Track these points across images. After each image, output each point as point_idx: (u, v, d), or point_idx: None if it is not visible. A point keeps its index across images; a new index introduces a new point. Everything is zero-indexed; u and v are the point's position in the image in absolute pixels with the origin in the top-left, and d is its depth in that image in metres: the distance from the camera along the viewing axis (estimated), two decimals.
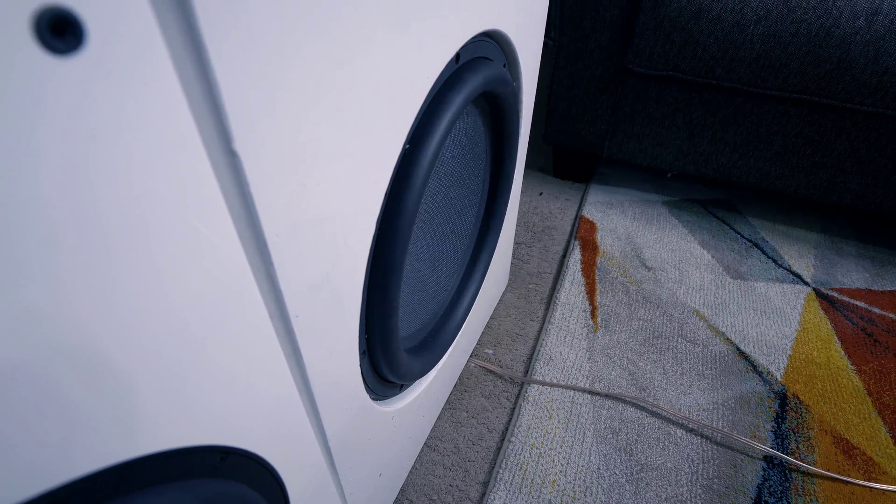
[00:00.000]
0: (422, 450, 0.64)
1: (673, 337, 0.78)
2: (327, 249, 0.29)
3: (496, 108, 0.52)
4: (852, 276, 0.90)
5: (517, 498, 0.59)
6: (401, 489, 0.61)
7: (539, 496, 0.59)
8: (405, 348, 0.49)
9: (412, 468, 0.63)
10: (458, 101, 0.37)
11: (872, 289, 0.87)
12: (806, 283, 0.88)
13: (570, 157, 1.11)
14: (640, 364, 0.74)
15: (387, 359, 0.41)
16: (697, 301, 0.84)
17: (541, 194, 1.10)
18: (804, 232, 1.00)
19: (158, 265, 0.18)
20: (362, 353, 0.38)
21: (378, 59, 0.27)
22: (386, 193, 0.33)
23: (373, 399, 0.43)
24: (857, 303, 0.84)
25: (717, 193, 1.10)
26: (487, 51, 0.45)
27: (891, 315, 0.82)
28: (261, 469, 0.28)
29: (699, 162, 0.95)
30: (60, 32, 0.13)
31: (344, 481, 0.42)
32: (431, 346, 0.55)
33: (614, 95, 0.94)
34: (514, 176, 0.66)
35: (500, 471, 0.61)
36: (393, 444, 0.52)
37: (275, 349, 0.26)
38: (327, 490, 0.39)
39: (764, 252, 0.94)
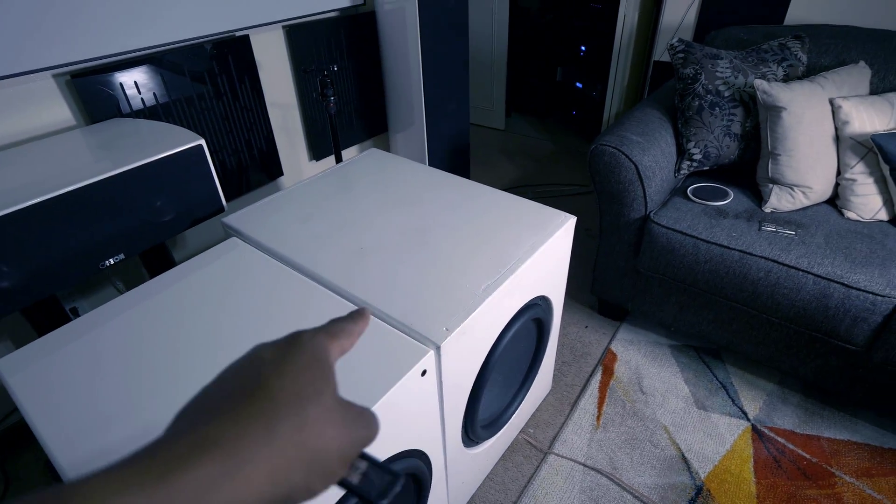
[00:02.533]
0: (484, 479, 1.24)
1: (644, 441, 1.30)
2: (458, 388, 0.92)
3: (539, 323, 1.14)
4: (785, 419, 1.34)
5: None
6: (473, 495, 1.21)
7: None
8: (484, 425, 1.11)
9: (479, 489, 1.23)
10: (519, 322, 1.00)
11: (795, 431, 1.31)
12: (748, 420, 1.34)
13: (609, 304, 1.67)
14: (618, 453, 1.28)
15: (471, 429, 1.03)
16: (668, 420, 1.35)
17: (586, 327, 1.67)
18: (764, 382, 1.44)
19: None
20: (462, 427, 1.01)
21: (502, 307, 0.91)
22: (479, 369, 0.96)
23: (464, 444, 1.05)
24: (779, 438, 1.29)
25: (710, 344, 1.58)
26: (536, 300, 1.07)
27: (798, 451, 1.26)
28: (428, 461, 0.91)
29: (688, 326, 1.47)
30: None
31: (450, 477, 1.03)
32: (495, 425, 1.16)
33: (632, 278, 1.50)
34: (548, 350, 1.26)
35: (524, 496, 1.19)
36: (470, 470, 1.13)
37: (438, 425, 0.90)
38: (442, 477, 1.01)
39: (727, 392, 1.41)
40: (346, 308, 0.85)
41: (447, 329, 0.81)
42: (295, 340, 0.25)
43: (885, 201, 1.30)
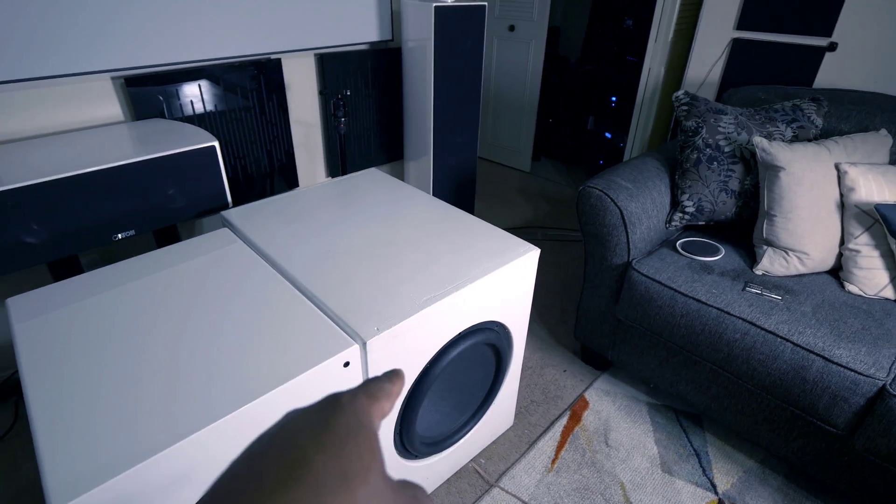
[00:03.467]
0: None
1: (595, 493, 1.24)
2: None
3: (495, 350, 1.14)
4: (759, 501, 1.23)
5: None
6: None
7: None
8: (424, 441, 1.10)
9: None
10: (467, 342, 1.00)
11: None
12: (716, 493, 1.25)
13: (591, 352, 1.62)
14: (565, 500, 1.22)
15: (407, 439, 1.03)
16: (626, 478, 1.28)
17: (564, 371, 1.62)
18: (744, 458, 1.34)
19: None
20: (395, 435, 1.01)
21: (443, 322, 0.92)
22: (416, 378, 0.97)
23: (399, 454, 1.04)
24: None
25: (690, 407, 1.49)
26: (488, 324, 1.07)
27: None
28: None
29: (667, 384, 1.40)
30: None
31: None
32: (439, 445, 1.15)
33: (613, 326, 1.46)
34: (508, 383, 1.24)
35: None
36: None
37: None
38: None
39: (700, 461, 1.33)
40: (300, 301, 0.89)
41: (377, 329, 0.83)
42: (333, 405, 0.22)
43: (892, 278, 1.22)
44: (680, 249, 1.38)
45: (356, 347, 0.81)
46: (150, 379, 0.72)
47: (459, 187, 2.10)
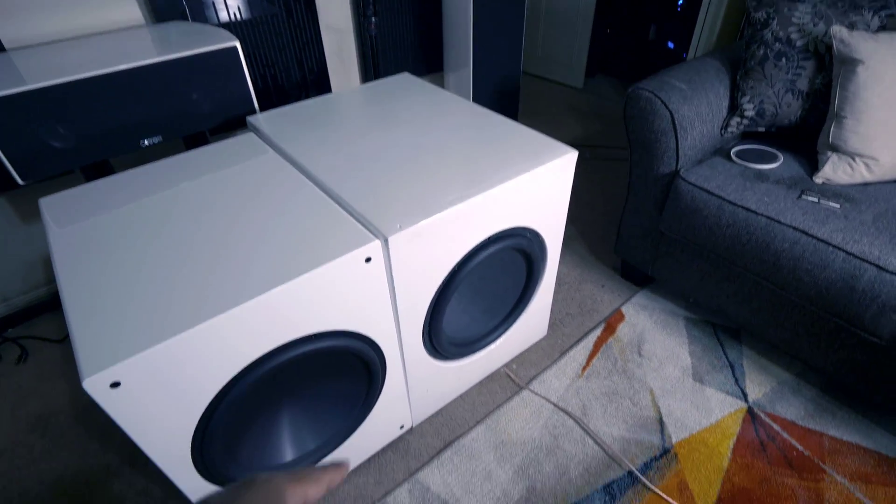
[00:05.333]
0: (456, 398, 1.29)
1: (624, 397, 1.27)
2: (417, 294, 0.97)
3: (526, 257, 1.14)
4: (790, 409, 1.23)
5: (490, 435, 1.20)
6: (440, 409, 1.27)
7: (499, 439, 1.19)
8: (453, 342, 1.15)
9: (448, 404, 1.28)
10: (495, 246, 1.01)
11: (797, 423, 1.20)
12: (746, 401, 1.25)
13: (631, 268, 1.60)
14: (593, 402, 1.26)
15: (436, 340, 1.08)
16: (657, 385, 1.30)
17: (603, 286, 1.62)
18: (780, 370, 1.32)
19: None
20: (424, 335, 1.06)
21: (470, 224, 0.94)
22: (443, 280, 1.00)
23: (427, 353, 1.11)
24: (774, 425, 1.19)
25: (730, 322, 1.46)
26: (520, 230, 1.07)
27: (792, 441, 1.16)
28: (378, 349, 0.97)
29: (708, 298, 1.37)
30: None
31: (410, 379, 1.10)
32: (469, 348, 1.20)
33: (655, 239, 1.42)
34: (543, 285, 1.25)
35: (488, 419, 1.23)
36: (437, 382, 1.18)
37: (391, 318, 0.96)
38: (400, 374, 1.07)
39: (733, 372, 1.32)
40: (325, 202, 0.92)
41: (399, 226, 0.85)
42: (248, 483, 0.25)
43: None
44: (734, 157, 1.29)
45: (377, 243, 0.83)
46: (179, 267, 0.77)
47: (501, 101, 2.02)
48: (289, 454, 0.98)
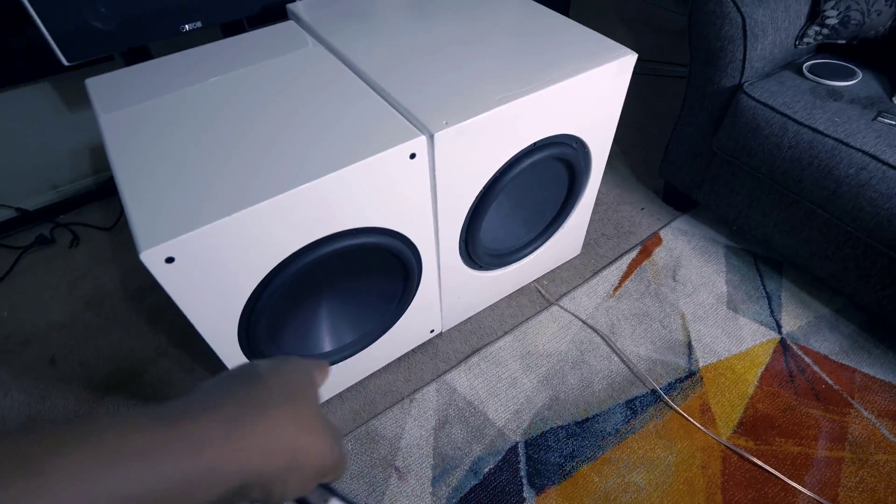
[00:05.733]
0: (485, 308, 1.32)
1: (654, 319, 1.27)
2: (458, 197, 0.95)
3: (569, 167, 1.10)
4: (824, 344, 1.21)
5: (517, 345, 1.23)
6: (469, 318, 1.30)
7: (525, 350, 1.22)
8: (488, 252, 1.15)
9: (478, 313, 1.31)
10: (541, 154, 0.98)
11: (829, 357, 1.19)
12: (779, 332, 1.24)
13: (674, 191, 1.54)
14: (623, 322, 1.27)
15: (472, 247, 1.08)
16: (689, 310, 1.29)
17: (642, 209, 1.57)
18: (820, 305, 1.29)
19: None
20: (461, 241, 1.05)
21: (517, 126, 0.91)
22: (485, 185, 0.98)
23: (462, 260, 1.11)
24: (806, 358, 1.19)
25: (773, 253, 1.41)
26: (567, 138, 1.02)
27: (822, 374, 1.15)
28: (416, 250, 0.98)
29: (753, 225, 1.32)
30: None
31: (443, 284, 1.11)
32: (503, 259, 1.20)
33: (705, 161, 1.35)
34: (582, 202, 1.21)
35: (516, 330, 1.25)
36: (470, 290, 1.20)
37: (430, 219, 0.95)
38: (434, 277, 1.09)
39: (770, 303, 1.30)
40: (369, 95, 0.89)
41: (446, 122, 0.82)
42: (286, 359, 0.30)
43: None
44: (806, 72, 1.18)
45: (423, 139, 0.80)
46: (227, 154, 0.77)
47: (548, 3, 1.86)
48: (327, 345, 1.02)
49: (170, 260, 0.66)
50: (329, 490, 0.29)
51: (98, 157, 1.62)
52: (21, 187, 1.53)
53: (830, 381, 1.15)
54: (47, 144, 1.50)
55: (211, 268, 0.71)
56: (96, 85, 0.92)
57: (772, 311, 1.28)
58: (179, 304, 0.73)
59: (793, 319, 1.26)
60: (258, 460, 0.23)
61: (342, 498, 0.29)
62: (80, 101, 1.49)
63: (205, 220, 0.67)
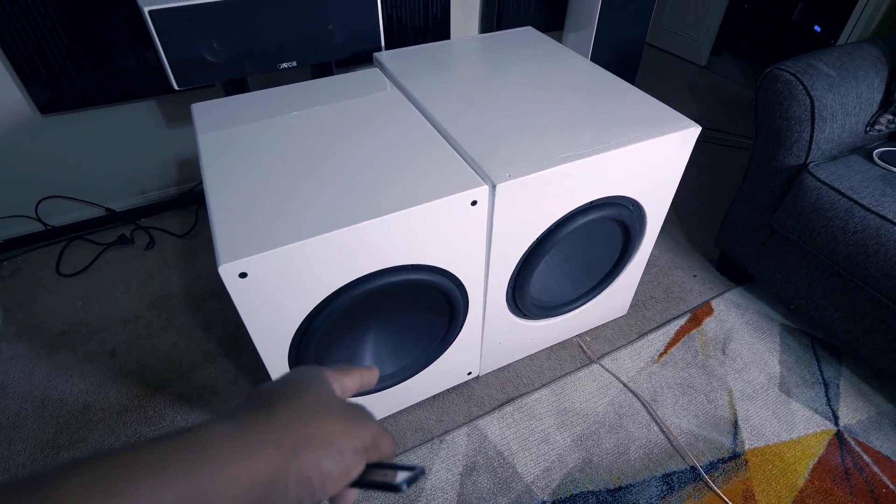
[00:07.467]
0: (524, 357, 1.32)
1: (699, 392, 1.23)
2: (511, 246, 0.98)
3: (624, 229, 1.11)
4: (886, 444, 1.13)
5: (553, 400, 1.21)
6: (508, 365, 1.30)
7: (562, 406, 1.21)
8: (535, 302, 1.16)
9: (517, 361, 1.31)
10: (596, 213, 1.00)
11: (890, 458, 1.10)
12: (836, 425, 1.16)
13: (729, 262, 1.51)
14: (665, 391, 1.23)
15: (519, 296, 1.09)
16: (737, 387, 1.24)
17: (695, 276, 1.54)
18: (882, 400, 1.21)
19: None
20: (509, 288, 1.08)
21: (576, 184, 0.94)
22: (539, 237, 1.00)
23: (507, 306, 1.13)
24: (865, 456, 1.10)
25: (832, 338, 1.34)
26: (624, 200, 1.04)
27: (882, 476, 1.07)
28: (465, 291, 1.01)
29: (812, 308, 1.27)
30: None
31: (487, 327, 1.13)
32: (549, 311, 1.20)
33: (764, 236, 1.32)
34: (634, 263, 1.22)
35: (553, 384, 1.24)
36: (511, 337, 1.21)
37: (482, 264, 0.98)
38: (479, 319, 1.11)
39: (827, 392, 1.23)
40: (440, 142, 0.95)
41: (509, 175, 0.86)
42: (298, 368, 0.32)
43: None
44: (876, 158, 1.16)
45: (485, 188, 0.84)
46: (305, 182, 0.83)
47: (619, 69, 1.93)
48: None
49: (243, 275, 0.72)
50: (388, 466, 0.29)
51: (183, 169, 1.77)
52: (113, 190, 1.69)
53: (892, 486, 1.06)
54: (143, 154, 1.66)
55: (277, 287, 0.77)
56: (200, 109, 1.03)
57: (828, 400, 1.21)
58: (243, 316, 0.78)
59: (852, 412, 1.19)
60: (274, 460, 0.25)
61: (405, 468, 0.29)
62: (177, 119, 1.65)
63: (278, 242, 0.73)
